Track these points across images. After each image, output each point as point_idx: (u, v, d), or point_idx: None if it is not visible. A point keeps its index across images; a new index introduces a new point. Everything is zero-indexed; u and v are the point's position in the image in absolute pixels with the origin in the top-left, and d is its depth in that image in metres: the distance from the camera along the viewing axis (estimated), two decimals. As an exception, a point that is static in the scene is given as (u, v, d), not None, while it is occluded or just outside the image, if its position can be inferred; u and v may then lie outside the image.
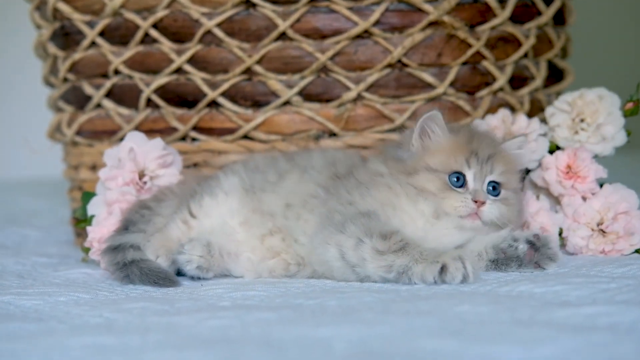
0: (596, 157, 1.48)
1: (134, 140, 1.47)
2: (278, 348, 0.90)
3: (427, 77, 1.54)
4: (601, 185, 1.45)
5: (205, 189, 1.39)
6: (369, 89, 1.54)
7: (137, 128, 1.59)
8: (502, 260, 1.27)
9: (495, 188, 1.29)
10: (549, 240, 1.28)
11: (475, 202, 1.25)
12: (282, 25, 1.52)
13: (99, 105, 1.64)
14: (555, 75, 1.69)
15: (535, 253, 1.27)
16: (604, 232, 1.40)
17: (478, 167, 1.27)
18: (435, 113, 1.29)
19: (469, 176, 1.27)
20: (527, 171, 1.50)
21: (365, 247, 1.21)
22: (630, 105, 1.49)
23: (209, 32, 1.55)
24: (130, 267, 1.31)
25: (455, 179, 1.27)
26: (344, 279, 1.25)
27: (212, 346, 0.91)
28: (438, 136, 1.29)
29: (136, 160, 1.46)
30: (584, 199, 1.44)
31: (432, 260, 1.18)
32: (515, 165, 1.33)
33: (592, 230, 1.41)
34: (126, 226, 1.38)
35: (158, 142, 1.47)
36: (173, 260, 1.33)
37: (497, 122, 1.50)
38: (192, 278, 1.33)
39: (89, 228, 1.43)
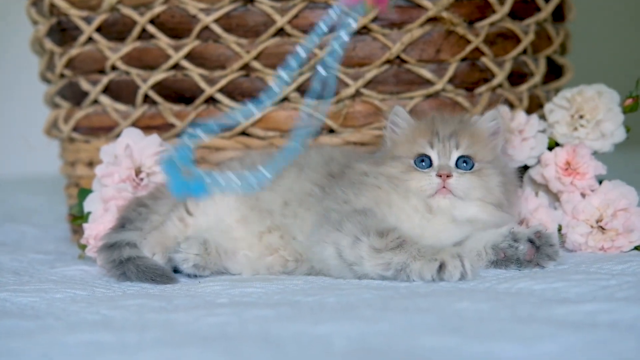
0: (595, 153, 1.47)
1: (131, 136, 1.46)
2: (276, 345, 0.90)
3: (426, 73, 1.53)
4: (600, 182, 1.44)
5: (202, 186, 1.38)
6: (368, 85, 1.53)
7: (134, 124, 1.58)
8: (501, 261, 1.27)
9: (467, 162, 1.28)
10: (550, 238, 1.27)
11: (440, 176, 1.25)
12: (280, 21, 1.51)
13: (95, 102, 1.64)
14: (554, 72, 1.68)
15: (536, 252, 1.26)
16: (603, 229, 1.40)
17: (440, 145, 1.28)
18: (397, 107, 1.33)
19: (433, 155, 1.28)
20: (526, 168, 1.49)
21: (363, 245, 1.20)
22: (629, 101, 1.49)
23: (206, 28, 1.54)
24: (126, 264, 1.30)
25: (421, 162, 1.28)
26: (341, 276, 1.25)
27: (210, 343, 0.91)
28: (402, 129, 1.33)
29: (132, 157, 1.45)
30: (583, 195, 1.43)
31: (430, 257, 1.18)
32: (486, 137, 1.32)
33: (592, 227, 1.40)
34: (122, 224, 1.37)
35: (155, 138, 1.47)
36: (169, 258, 1.33)
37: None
38: (189, 275, 1.32)
39: (85, 225, 1.43)
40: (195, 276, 1.32)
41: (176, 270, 1.33)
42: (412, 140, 1.30)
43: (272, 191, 1.35)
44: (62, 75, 1.68)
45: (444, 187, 1.25)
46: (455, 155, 1.28)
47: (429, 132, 1.30)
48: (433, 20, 1.53)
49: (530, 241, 1.26)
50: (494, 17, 1.56)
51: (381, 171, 1.30)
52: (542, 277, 1.17)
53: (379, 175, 1.30)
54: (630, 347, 0.84)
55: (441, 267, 1.17)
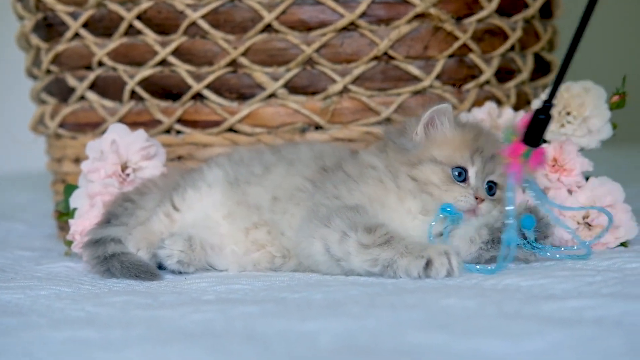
0: (582, 150, 1.47)
1: (117, 132, 1.45)
2: (262, 342, 0.89)
3: (414, 69, 1.53)
4: (587, 179, 1.44)
5: (188, 182, 1.38)
6: (355, 81, 1.53)
7: (121, 120, 1.57)
8: (497, 239, 1.24)
9: (491, 188, 1.28)
10: (540, 212, 1.25)
11: (476, 198, 1.25)
12: (268, 17, 1.51)
13: (82, 98, 1.63)
14: (541, 68, 1.68)
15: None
16: (589, 225, 1.40)
17: (481, 166, 1.26)
18: (447, 106, 1.28)
19: (471, 172, 1.26)
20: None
21: (350, 241, 1.20)
22: (616, 98, 1.49)
23: (193, 24, 1.54)
24: (110, 260, 1.29)
25: (457, 174, 1.26)
26: (329, 272, 1.25)
27: (196, 340, 0.90)
28: (445, 129, 1.28)
29: (119, 153, 1.44)
30: (570, 192, 1.43)
31: (417, 254, 1.17)
32: None
33: (578, 223, 1.40)
34: (108, 219, 1.37)
35: (141, 134, 1.46)
36: (154, 254, 1.32)
37: (483, 115, 1.49)
38: (174, 272, 1.32)
39: (71, 221, 1.42)
40: (180, 272, 1.31)
41: (161, 267, 1.32)
42: (455, 148, 1.27)
43: (260, 186, 1.34)
44: (48, 71, 1.67)
45: (474, 209, 1.25)
46: (488, 178, 1.28)
47: (474, 147, 1.27)
48: (421, 16, 1.53)
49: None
50: (481, 14, 1.56)
51: (415, 174, 1.26)
52: (529, 273, 1.17)
53: (400, 174, 1.26)
54: (616, 343, 0.84)
55: (428, 264, 1.16)
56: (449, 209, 1.24)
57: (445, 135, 1.28)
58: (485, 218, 1.26)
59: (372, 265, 1.19)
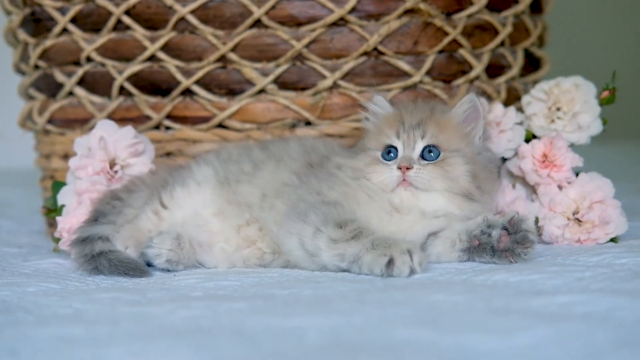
0: (572, 145, 1.47)
1: (105, 128, 1.45)
2: (249, 338, 0.89)
3: (403, 65, 1.53)
4: (577, 174, 1.44)
5: (177, 180, 1.37)
6: (345, 77, 1.53)
7: (110, 116, 1.56)
8: (474, 249, 1.25)
9: (432, 152, 1.27)
10: (524, 223, 1.23)
11: (400, 168, 1.24)
12: (257, 12, 1.50)
13: (70, 93, 1.62)
14: (532, 64, 1.68)
15: (510, 238, 1.23)
16: (579, 221, 1.40)
17: (405, 135, 1.27)
18: (376, 96, 1.34)
19: (399, 146, 1.27)
20: (503, 160, 1.49)
21: (322, 236, 1.20)
22: (606, 93, 1.49)
23: (182, 19, 1.53)
24: (98, 258, 1.29)
25: (388, 153, 1.28)
26: (309, 267, 1.25)
27: (183, 336, 0.90)
28: (377, 118, 1.33)
29: (107, 149, 1.43)
30: (560, 187, 1.43)
31: (380, 252, 1.16)
32: (456, 124, 1.30)
33: (568, 219, 1.40)
34: (96, 217, 1.36)
35: (129, 130, 1.45)
36: (142, 253, 1.31)
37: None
38: (163, 270, 1.31)
39: (58, 218, 1.41)
40: (169, 271, 1.31)
41: (149, 264, 1.31)
42: (381, 130, 1.30)
43: (250, 184, 1.34)
44: (36, 67, 1.66)
45: (404, 180, 1.24)
46: (420, 145, 1.27)
47: (397, 121, 1.29)
48: (410, 12, 1.52)
49: (505, 229, 1.23)
50: (471, 9, 1.55)
51: (349, 164, 1.30)
52: (518, 269, 1.17)
53: (347, 169, 1.30)
54: (603, 338, 0.84)
55: (390, 262, 1.15)
56: None
57: (375, 124, 1.33)
58: (467, 226, 1.25)
59: (340, 260, 1.19)
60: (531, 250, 1.23)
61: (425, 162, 1.26)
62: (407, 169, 1.24)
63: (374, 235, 1.18)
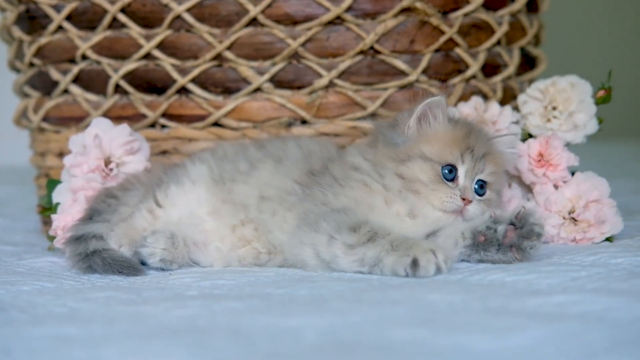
0: (568, 145, 1.48)
1: (100, 126, 1.44)
2: (246, 338, 0.89)
3: (400, 64, 1.53)
4: (573, 174, 1.44)
5: (171, 178, 1.37)
6: (341, 75, 1.52)
7: (105, 114, 1.56)
8: (481, 245, 1.23)
9: (482, 187, 1.26)
10: (531, 216, 1.22)
11: (463, 199, 1.23)
12: (253, 10, 1.50)
13: (66, 91, 1.61)
14: (528, 63, 1.68)
15: (516, 232, 1.22)
16: (575, 220, 1.40)
17: (471, 165, 1.25)
18: (440, 99, 1.25)
19: (461, 171, 1.25)
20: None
21: (337, 243, 1.19)
22: (602, 93, 1.49)
23: (178, 17, 1.52)
24: (92, 257, 1.28)
25: (448, 172, 1.24)
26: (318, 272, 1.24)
27: (179, 336, 0.90)
28: (438, 124, 1.26)
29: (102, 147, 1.43)
30: (556, 187, 1.44)
31: (403, 252, 1.15)
32: (504, 166, 1.31)
33: (564, 218, 1.41)
34: (91, 215, 1.35)
35: (124, 128, 1.45)
36: (136, 252, 1.31)
37: (469, 110, 1.49)
38: (157, 269, 1.31)
39: (53, 216, 1.41)
40: (163, 270, 1.30)
41: (143, 263, 1.31)
42: (446, 145, 1.25)
43: (246, 184, 1.33)
44: (31, 64, 1.65)
45: (461, 210, 1.23)
46: (477, 177, 1.26)
47: (465, 144, 1.25)
48: (407, 10, 1.52)
49: (512, 224, 1.22)
50: (468, 8, 1.55)
51: (402, 170, 1.24)
52: (514, 268, 1.17)
53: (386, 173, 1.25)
54: (598, 337, 0.84)
55: (414, 262, 1.14)
56: None
57: (437, 130, 1.26)
58: (472, 223, 1.24)
59: (359, 266, 1.18)
60: (538, 244, 1.22)
61: (477, 197, 1.26)
62: (469, 202, 1.23)
63: (390, 235, 1.17)
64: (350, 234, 1.18)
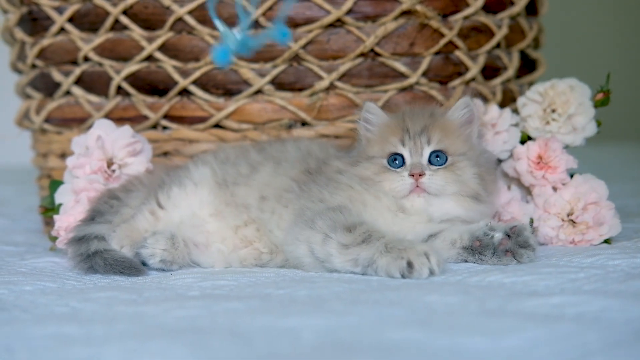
0: (567, 147, 1.48)
1: (102, 127, 1.45)
2: (244, 338, 0.89)
3: (400, 66, 1.54)
4: (571, 176, 1.45)
5: (174, 180, 1.37)
6: (342, 78, 1.53)
7: (107, 116, 1.57)
8: (476, 248, 1.25)
9: (439, 157, 1.28)
10: (525, 231, 1.25)
11: (412, 175, 1.25)
12: (254, 13, 1.51)
13: (68, 93, 1.62)
14: (527, 66, 1.69)
15: (510, 241, 1.24)
16: (574, 222, 1.41)
17: (412, 143, 1.28)
18: (368, 103, 1.33)
19: (406, 154, 1.28)
20: (499, 161, 1.50)
21: (332, 242, 1.20)
22: (600, 95, 1.49)
23: (180, 20, 1.53)
24: (93, 258, 1.29)
25: (394, 160, 1.28)
26: (316, 271, 1.25)
27: (179, 336, 0.90)
28: (375, 125, 1.33)
29: (104, 148, 1.44)
30: (555, 189, 1.44)
31: (397, 255, 1.16)
32: (458, 127, 1.31)
33: (563, 220, 1.41)
34: (93, 216, 1.36)
35: (126, 129, 1.46)
36: (136, 253, 1.31)
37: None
38: (158, 270, 1.32)
39: (56, 217, 1.41)
40: (164, 270, 1.31)
41: (145, 263, 1.32)
42: (384, 138, 1.30)
43: (247, 186, 1.35)
44: (33, 66, 1.66)
45: (417, 186, 1.25)
46: (427, 151, 1.28)
47: (400, 129, 1.29)
48: (407, 13, 1.53)
49: (507, 235, 1.24)
50: (467, 11, 1.56)
51: (355, 172, 1.30)
52: (513, 270, 1.18)
53: (353, 176, 1.30)
54: (593, 338, 0.85)
55: (409, 265, 1.16)
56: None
57: (375, 132, 1.33)
58: (470, 228, 1.26)
59: (353, 266, 1.20)
60: (533, 255, 1.24)
61: (435, 167, 1.27)
62: (420, 175, 1.25)
63: (384, 237, 1.19)
64: (345, 234, 1.20)
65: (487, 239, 1.24)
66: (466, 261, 1.27)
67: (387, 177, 1.27)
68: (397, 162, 1.28)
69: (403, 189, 1.26)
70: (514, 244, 1.24)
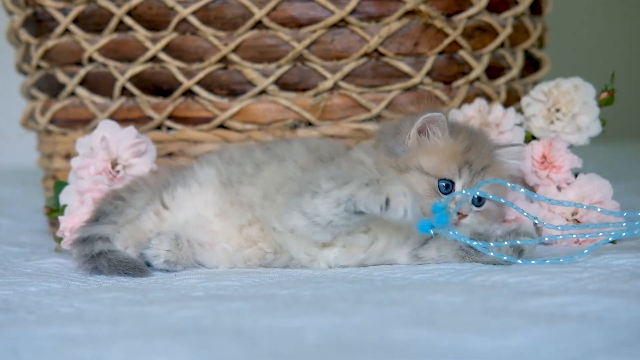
0: (571, 147, 1.48)
1: (107, 128, 1.45)
2: (249, 338, 0.90)
3: (404, 66, 1.54)
4: (576, 175, 1.45)
5: (178, 180, 1.38)
6: (346, 78, 1.53)
7: (112, 117, 1.57)
8: (477, 235, 1.24)
9: (480, 199, 1.27)
10: (524, 228, 1.25)
11: (458, 214, 1.24)
12: (258, 13, 1.51)
13: (72, 94, 1.63)
14: (531, 65, 1.69)
15: (511, 235, 1.24)
16: (578, 222, 1.41)
17: (469, 179, 1.26)
18: (440, 115, 1.26)
19: (458, 186, 1.26)
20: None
21: (318, 195, 1.20)
22: (605, 95, 1.49)
23: (184, 20, 1.54)
24: (98, 259, 1.29)
25: (444, 186, 1.25)
26: (313, 239, 1.24)
27: (183, 336, 0.91)
28: (437, 138, 1.27)
29: (109, 149, 1.44)
30: (559, 188, 1.44)
31: (376, 189, 1.15)
32: (506, 176, 1.31)
33: (567, 220, 1.41)
34: (97, 217, 1.37)
35: (131, 130, 1.46)
36: (140, 254, 1.32)
37: (473, 112, 1.50)
38: (162, 270, 1.32)
39: (61, 217, 1.42)
40: (168, 271, 1.31)
41: (149, 264, 1.32)
42: (443, 158, 1.26)
43: (252, 185, 1.35)
44: (38, 67, 1.66)
45: (455, 223, 1.24)
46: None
47: (463, 159, 1.26)
48: (411, 13, 1.53)
49: (507, 233, 1.25)
50: (471, 11, 1.56)
51: (400, 177, 1.25)
52: (517, 270, 1.18)
53: (383, 171, 1.26)
54: (597, 338, 0.85)
55: (387, 201, 1.14)
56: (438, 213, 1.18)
57: (436, 144, 1.27)
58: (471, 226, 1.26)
59: (335, 206, 1.19)
60: (526, 254, 1.24)
61: (475, 208, 1.27)
62: (464, 216, 1.25)
63: (366, 176, 1.18)
64: (328, 181, 1.20)
65: (489, 232, 1.24)
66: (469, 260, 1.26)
67: (433, 200, 1.23)
68: (447, 188, 1.25)
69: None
70: (516, 234, 1.23)
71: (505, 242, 1.22)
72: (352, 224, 1.21)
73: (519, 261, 1.22)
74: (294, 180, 1.30)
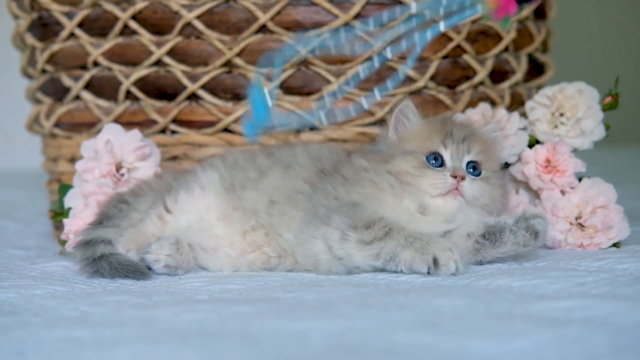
0: (575, 151, 1.48)
1: (111, 132, 1.46)
2: (253, 342, 0.90)
3: (408, 70, 1.54)
4: (580, 179, 1.45)
5: (181, 184, 1.38)
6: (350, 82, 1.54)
7: (116, 120, 1.58)
8: (492, 234, 1.26)
9: (475, 168, 1.29)
10: (531, 211, 1.28)
11: (455, 177, 1.25)
12: (263, 17, 1.51)
13: (77, 97, 1.63)
14: (535, 69, 1.69)
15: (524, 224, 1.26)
16: (582, 226, 1.41)
17: (454, 147, 1.29)
18: (407, 102, 1.32)
19: (446, 155, 1.28)
20: (507, 165, 1.50)
21: (350, 240, 1.21)
22: (609, 99, 1.49)
23: (188, 24, 1.54)
24: (99, 262, 1.29)
25: (434, 159, 1.28)
26: (331, 270, 1.25)
27: (188, 339, 0.91)
28: (413, 123, 1.32)
29: (113, 152, 1.45)
30: (563, 193, 1.44)
31: (421, 249, 1.17)
32: (492, 146, 1.34)
33: (571, 224, 1.41)
34: (101, 220, 1.37)
35: (135, 133, 1.46)
36: (141, 258, 1.32)
37: (477, 116, 1.50)
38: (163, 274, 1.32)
39: (65, 220, 1.42)
40: (169, 275, 1.32)
41: (150, 268, 1.32)
42: (424, 136, 1.30)
43: (256, 190, 1.35)
44: (43, 71, 1.67)
45: (456, 188, 1.26)
46: (466, 159, 1.29)
47: (443, 131, 1.30)
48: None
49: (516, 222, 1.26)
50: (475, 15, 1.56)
51: (389, 168, 1.29)
52: (521, 274, 1.18)
53: (382, 173, 1.29)
54: (601, 342, 0.85)
55: (434, 260, 1.17)
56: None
57: (413, 128, 1.32)
58: (483, 221, 1.27)
59: (374, 259, 1.20)
60: (543, 221, 1.27)
61: (472, 176, 1.28)
62: (462, 178, 1.26)
63: (404, 230, 1.19)
64: (365, 231, 1.20)
65: (501, 224, 1.26)
66: (481, 262, 1.27)
67: (427, 172, 1.26)
68: (436, 161, 1.28)
69: (443, 187, 1.25)
70: (528, 218, 1.26)
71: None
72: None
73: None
74: (304, 196, 1.30)
